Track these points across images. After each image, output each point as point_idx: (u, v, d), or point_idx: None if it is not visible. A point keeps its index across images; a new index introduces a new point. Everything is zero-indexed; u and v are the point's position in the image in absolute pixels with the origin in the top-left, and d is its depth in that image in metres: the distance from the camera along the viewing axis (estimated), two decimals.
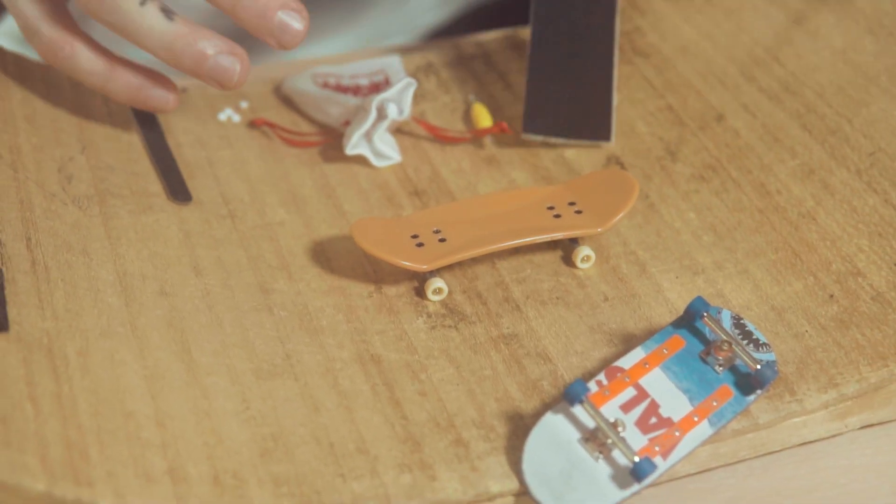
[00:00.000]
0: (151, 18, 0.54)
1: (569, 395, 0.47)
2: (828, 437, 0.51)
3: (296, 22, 0.54)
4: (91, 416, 0.46)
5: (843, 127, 0.60)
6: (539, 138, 0.62)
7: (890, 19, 0.63)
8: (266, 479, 0.46)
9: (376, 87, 0.65)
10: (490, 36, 0.72)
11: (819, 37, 0.65)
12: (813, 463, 0.50)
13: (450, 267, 0.56)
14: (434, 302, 0.54)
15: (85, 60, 0.57)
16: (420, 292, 0.55)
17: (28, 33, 0.57)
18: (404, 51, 0.71)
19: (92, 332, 0.49)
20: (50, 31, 0.57)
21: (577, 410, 0.48)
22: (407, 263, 0.53)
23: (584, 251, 0.56)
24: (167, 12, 0.55)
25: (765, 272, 0.55)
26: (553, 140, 0.62)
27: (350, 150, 0.62)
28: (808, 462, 0.50)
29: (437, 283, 0.54)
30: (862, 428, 0.51)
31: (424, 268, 0.53)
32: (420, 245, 0.55)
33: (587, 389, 0.47)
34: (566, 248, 0.57)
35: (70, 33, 0.57)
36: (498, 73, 0.69)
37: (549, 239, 0.55)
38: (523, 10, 0.85)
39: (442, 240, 0.55)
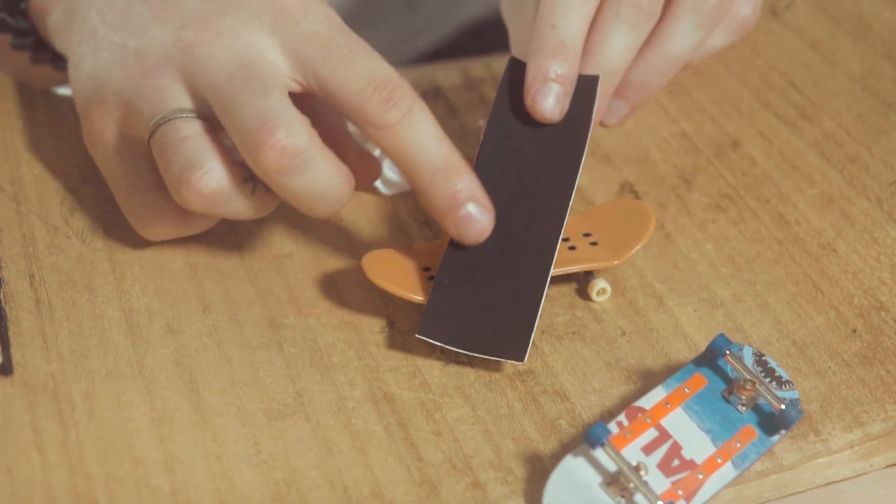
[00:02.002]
0: (256, 202, 0.52)
1: (590, 439, 0.46)
2: (852, 477, 0.50)
3: (483, 218, 0.51)
4: (99, 464, 0.44)
5: (863, 155, 0.59)
6: (435, 343, 0.51)
7: None
8: None
9: None
10: (498, 58, 0.71)
11: (836, 62, 0.64)
12: (838, 503, 0.49)
13: None
14: None
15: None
16: None
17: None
18: (410, 74, 0.70)
19: (98, 374, 0.48)
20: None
21: (598, 453, 0.47)
22: (419, 298, 0.52)
23: (600, 284, 0.55)
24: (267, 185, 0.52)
25: (785, 306, 0.54)
26: (451, 349, 0.51)
27: None
28: (832, 502, 0.49)
29: None
30: (887, 467, 0.50)
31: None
32: (432, 278, 0.53)
33: (608, 432, 0.46)
34: (581, 281, 0.56)
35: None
36: None
37: (563, 272, 0.53)
38: None
39: None
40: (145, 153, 0.53)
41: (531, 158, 0.54)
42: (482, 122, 0.65)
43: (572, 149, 0.54)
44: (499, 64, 0.70)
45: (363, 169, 0.54)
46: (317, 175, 0.49)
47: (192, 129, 0.50)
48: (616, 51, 0.55)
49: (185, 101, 0.51)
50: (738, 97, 0.64)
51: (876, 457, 0.49)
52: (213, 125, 0.51)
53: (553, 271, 0.53)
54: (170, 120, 0.50)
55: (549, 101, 0.53)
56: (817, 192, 0.58)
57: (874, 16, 0.64)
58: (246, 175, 0.51)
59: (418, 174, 0.51)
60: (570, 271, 0.54)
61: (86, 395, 0.47)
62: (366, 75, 0.50)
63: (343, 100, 0.50)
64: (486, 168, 0.54)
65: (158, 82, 0.51)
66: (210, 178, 0.49)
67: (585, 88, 0.55)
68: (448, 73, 0.70)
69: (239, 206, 0.51)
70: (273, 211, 0.59)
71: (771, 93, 0.64)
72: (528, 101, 0.54)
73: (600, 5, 0.55)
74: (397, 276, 0.53)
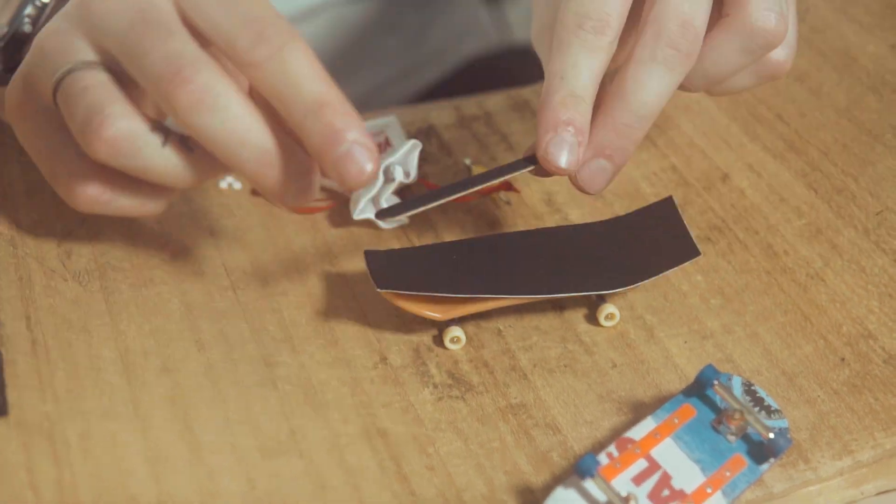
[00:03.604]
0: (171, 157, 0.50)
1: (580, 470, 0.46)
2: None
3: (362, 157, 0.48)
4: (93, 503, 0.45)
5: (850, 185, 0.59)
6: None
7: (893, 76, 0.63)
8: None
9: (378, 149, 0.64)
10: (491, 96, 0.72)
11: (822, 95, 0.64)
12: None
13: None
14: (440, 372, 0.54)
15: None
16: (425, 365, 0.54)
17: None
18: (404, 113, 0.71)
19: (93, 414, 0.49)
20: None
21: (588, 484, 0.47)
22: (436, 315, 0.53)
23: (609, 309, 0.55)
24: (185, 142, 0.50)
25: (774, 335, 0.54)
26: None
27: (357, 215, 0.61)
28: None
29: (455, 331, 0.55)
30: (878, 494, 0.50)
31: (436, 316, 0.53)
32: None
33: (598, 463, 0.46)
34: (592, 306, 0.56)
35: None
36: (500, 134, 0.68)
37: (568, 296, 0.54)
38: (514, 66, 0.85)
39: None
40: (60, 117, 0.52)
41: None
42: (468, 161, 0.66)
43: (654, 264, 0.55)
44: (491, 102, 0.71)
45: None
46: (233, 115, 0.48)
47: (95, 78, 0.49)
48: (651, 94, 0.52)
49: (89, 54, 0.50)
50: (727, 131, 0.65)
51: (866, 484, 0.49)
52: (120, 78, 0.50)
53: (557, 295, 0.54)
54: (72, 72, 0.50)
55: (563, 151, 0.52)
56: (805, 223, 0.59)
57: (860, 49, 0.65)
58: (154, 124, 0.49)
59: (291, 112, 0.48)
60: (576, 295, 0.54)
61: (81, 435, 0.47)
62: (242, 13, 0.48)
63: (218, 37, 0.49)
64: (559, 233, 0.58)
65: (59, 39, 0.51)
66: (112, 122, 0.48)
67: (667, 209, 0.56)
68: (441, 112, 0.70)
69: (153, 161, 0.49)
70: (268, 249, 0.59)
71: (759, 126, 0.64)
72: (540, 152, 0.52)
73: (634, 46, 0.53)
74: (412, 295, 0.54)
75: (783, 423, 0.49)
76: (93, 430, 0.48)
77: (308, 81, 0.48)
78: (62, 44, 0.51)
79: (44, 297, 0.53)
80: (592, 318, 0.56)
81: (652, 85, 0.53)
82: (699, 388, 0.50)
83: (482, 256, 0.56)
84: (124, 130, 0.48)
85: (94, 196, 0.52)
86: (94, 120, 0.48)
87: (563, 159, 0.52)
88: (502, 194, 0.63)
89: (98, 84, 0.49)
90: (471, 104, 0.71)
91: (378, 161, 0.49)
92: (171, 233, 0.60)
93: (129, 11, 0.49)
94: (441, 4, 1.04)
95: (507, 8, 1.26)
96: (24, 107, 0.53)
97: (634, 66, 0.53)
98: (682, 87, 0.56)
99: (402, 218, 0.62)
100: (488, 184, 0.54)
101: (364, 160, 0.48)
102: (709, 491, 0.47)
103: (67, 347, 0.51)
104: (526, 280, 0.54)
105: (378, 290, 0.53)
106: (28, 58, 0.52)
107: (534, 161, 0.53)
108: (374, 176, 0.49)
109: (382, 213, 0.53)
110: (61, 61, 0.50)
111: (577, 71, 0.52)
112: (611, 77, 0.54)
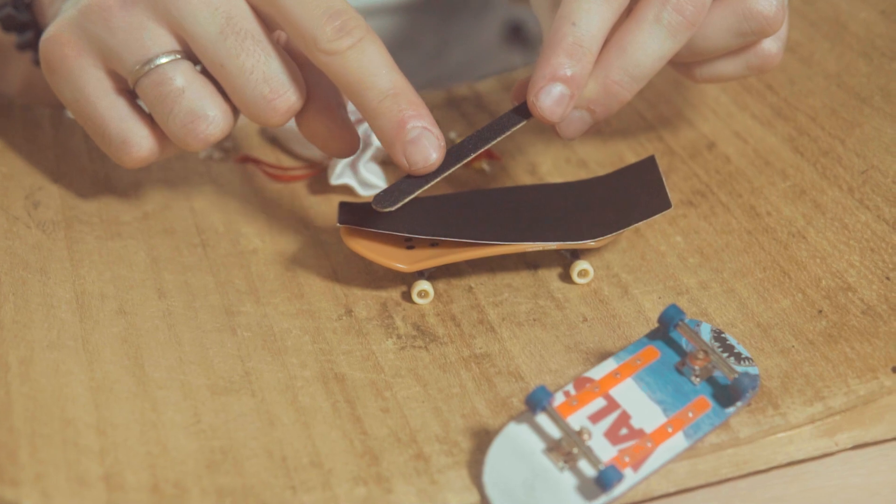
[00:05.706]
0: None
1: (531, 402, 0.45)
2: (819, 457, 0.48)
3: (430, 144, 0.50)
4: (26, 421, 0.44)
5: (836, 147, 0.58)
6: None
7: (883, 40, 0.61)
8: (210, 489, 0.44)
9: (361, 120, 0.64)
10: (483, 81, 0.71)
11: (813, 63, 0.63)
12: (802, 483, 0.47)
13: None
14: (406, 324, 0.52)
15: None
16: (390, 318, 0.53)
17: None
18: None
19: (39, 344, 0.48)
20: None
21: (542, 420, 0.45)
22: (401, 266, 0.52)
23: (581, 266, 0.54)
24: None
25: (751, 291, 0.52)
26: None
27: (335, 180, 0.60)
28: (796, 482, 0.47)
29: (422, 285, 0.53)
30: (855, 448, 0.48)
31: (402, 267, 0.52)
32: (410, 247, 0.53)
33: (550, 396, 0.45)
34: (566, 264, 0.55)
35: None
36: (488, 112, 0.67)
37: (541, 248, 0.52)
38: None
39: (434, 244, 0.53)
40: (120, 86, 0.53)
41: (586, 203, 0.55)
42: (453, 135, 0.65)
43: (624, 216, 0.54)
44: (482, 85, 0.70)
45: (342, 137, 0.54)
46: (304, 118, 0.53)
47: (186, 76, 0.51)
48: (649, 57, 0.51)
49: (166, 41, 0.51)
50: (716, 102, 0.63)
51: (840, 434, 0.47)
52: (193, 59, 0.52)
53: (532, 247, 0.53)
54: (158, 66, 0.51)
55: (552, 101, 0.50)
56: (789, 185, 0.57)
57: (850, 16, 0.64)
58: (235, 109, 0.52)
59: (366, 98, 0.50)
60: (548, 248, 0.53)
61: (22, 360, 0.46)
62: (324, 6, 0.50)
63: (297, 26, 0.50)
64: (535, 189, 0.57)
65: (131, 20, 0.51)
66: (216, 127, 0.51)
67: (648, 168, 0.55)
68: (431, 94, 0.70)
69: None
70: (244, 212, 0.59)
71: (748, 96, 0.63)
72: (530, 97, 0.51)
73: (638, 4, 0.52)
74: (375, 244, 0.53)
75: (754, 370, 0.47)
76: (36, 358, 0.47)
77: (385, 71, 0.50)
78: (134, 26, 0.51)
79: (3, 240, 0.53)
80: (566, 277, 0.55)
81: (652, 47, 0.52)
82: (663, 330, 0.48)
83: (456, 208, 0.55)
84: (223, 129, 0.52)
85: (148, 158, 0.54)
86: (199, 125, 0.51)
87: (552, 111, 0.51)
88: (483, 162, 0.62)
89: (191, 83, 0.51)
90: (462, 87, 0.70)
91: (443, 151, 0.51)
92: (146, 195, 0.60)
93: (214, 14, 0.50)
94: (462, 25, 1.04)
95: (531, 33, 1.25)
96: (67, 63, 0.53)
97: (637, 24, 0.52)
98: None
99: (381, 184, 0.61)
100: (480, 150, 0.52)
101: (431, 147, 0.50)
102: (669, 430, 0.45)
103: (21, 284, 0.51)
104: (494, 229, 0.53)
105: (338, 224, 0.52)
106: (80, 17, 0.52)
107: (527, 115, 0.52)
108: (438, 164, 0.51)
109: (380, 201, 0.51)
110: (139, 50, 0.51)
111: (589, 18, 0.50)
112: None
